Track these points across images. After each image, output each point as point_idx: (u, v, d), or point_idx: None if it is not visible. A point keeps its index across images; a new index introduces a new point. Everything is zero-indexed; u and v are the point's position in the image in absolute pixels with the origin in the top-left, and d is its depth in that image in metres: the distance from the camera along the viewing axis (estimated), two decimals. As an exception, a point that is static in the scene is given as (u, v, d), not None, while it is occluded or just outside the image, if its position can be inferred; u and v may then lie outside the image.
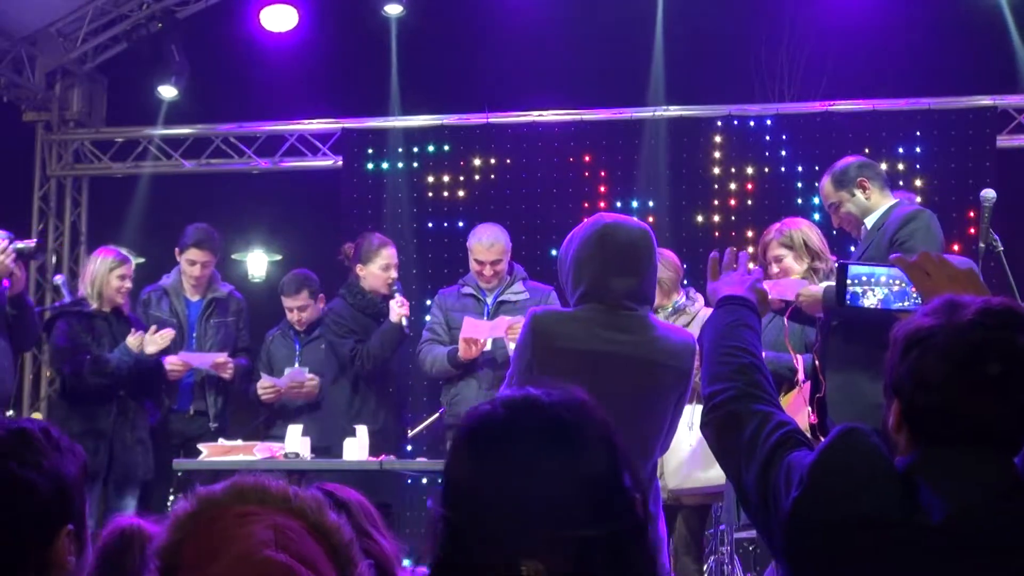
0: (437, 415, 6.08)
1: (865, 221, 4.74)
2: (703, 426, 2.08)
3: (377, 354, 5.86)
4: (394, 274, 5.99)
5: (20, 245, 5.50)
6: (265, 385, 6.11)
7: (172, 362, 5.99)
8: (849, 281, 2.30)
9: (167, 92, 8.80)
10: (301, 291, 6.26)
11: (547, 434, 1.52)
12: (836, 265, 2.25)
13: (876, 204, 4.73)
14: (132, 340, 5.77)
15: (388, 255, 5.98)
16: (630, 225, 3.37)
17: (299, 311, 6.26)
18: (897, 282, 2.29)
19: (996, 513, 1.68)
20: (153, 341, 5.80)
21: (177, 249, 6.33)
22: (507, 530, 1.47)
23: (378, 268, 5.95)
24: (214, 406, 6.21)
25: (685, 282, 6.03)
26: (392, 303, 5.88)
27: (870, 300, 2.31)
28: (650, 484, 3.19)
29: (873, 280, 2.30)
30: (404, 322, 5.84)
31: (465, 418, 1.59)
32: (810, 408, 4.80)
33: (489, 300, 5.82)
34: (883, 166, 8.04)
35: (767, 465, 1.86)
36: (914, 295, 2.21)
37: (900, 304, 2.27)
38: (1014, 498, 1.69)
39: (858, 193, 4.76)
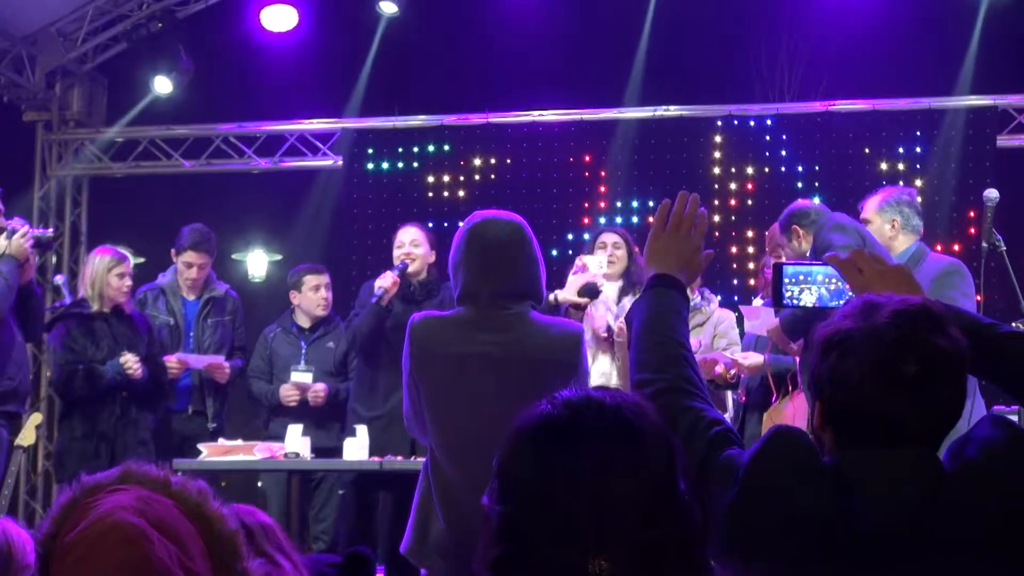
0: None
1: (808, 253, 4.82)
2: None
3: (358, 328, 5.70)
4: (407, 250, 5.84)
5: (37, 233, 5.53)
6: (290, 393, 6.08)
7: (170, 362, 6.00)
8: (786, 280, 2.32)
9: (162, 85, 8.75)
10: (324, 272, 6.33)
11: (613, 434, 1.53)
12: (772, 265, 2.27)
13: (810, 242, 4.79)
14: (126, 364, 5.74)
15: (401, 233, 5.91)
16: (500, 221, 3.32)
17: (326, 288, 6.29)
18: (833, 281, 2.31)
19: (921, 511, 1.70)
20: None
21: (173, 250, 6.34)
22: (574, 528, 1.48)
23: (396, 247, 5.86)
24: (212, 406, 6.22)
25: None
26: (377, 280, 5.73)
27: (807, 299, 2.34)
28: None
29: (809, 279, 2.33)
30: (380, 294, 5.63)
31: (524, 417, 1.60)
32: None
33: None
34: (883, 166, 8.12)
35: (702, 463, 1.87)
36: (850, 293, 2.22)
37: (837, 303, 2.28)
38: (938, 495, 1.71)
39: (794, 240, 4.92)
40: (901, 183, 7.93)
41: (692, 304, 5.82)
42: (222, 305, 6.36)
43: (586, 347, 3.41)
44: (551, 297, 5.49)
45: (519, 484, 1.53)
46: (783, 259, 5.24)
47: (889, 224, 5.01)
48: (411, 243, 5.86)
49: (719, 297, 6.34)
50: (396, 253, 5.85)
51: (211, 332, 6.28)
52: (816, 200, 5.13)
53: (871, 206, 5.11)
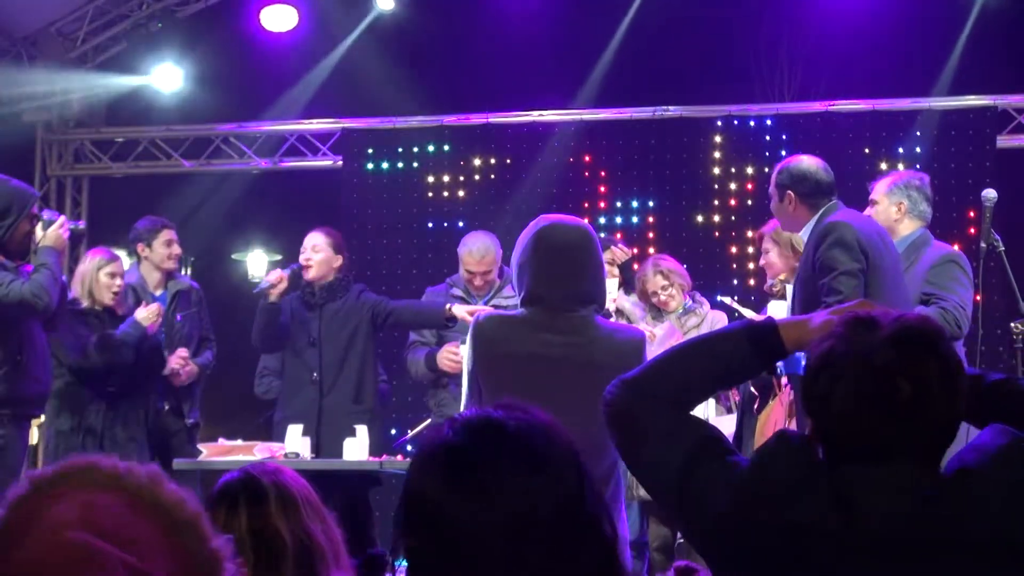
0: (427, 422, 6.08)
1: (801, 234, 4.58)
2: (611, 403, 2.03)
3: (254, 326, 5.81)
4: (307, 255, 5.86)
5: (71, 225, 5.55)
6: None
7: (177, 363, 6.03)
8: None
9: (170, 75, 8.72)
10: None
11: (513, 462, 1.47)
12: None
13: (803, 218, 4.48)
14: (143, 314, 5.79)
15: (306, 239, 5.96)
16: (567, 225, 3.33)
17: None
18: None
19: (921, 518, 1.70)
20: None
21: (141, 244, 6.33)
22: (476, 561, 1.43)
23: (301, 254, 5.93)
24: (186, 402, 6.22)
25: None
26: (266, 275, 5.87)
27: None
28: (608, 481, 3.17)
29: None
30: (275, 296, 5.70)
31: (425, 443, 1.53)
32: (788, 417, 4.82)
33: (479, 304, 5.82)
34: (883, 166, 8.12)
35: (694, 462, 1.85)
36: None
37: None
38: (937, 501, 1.71)
39: (784, 202, 4.51)
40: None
41: (684, 307, 5.89)
42: (188, 298, 6.38)
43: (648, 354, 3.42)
44: (446, 307, 5.59)
45: (423, 516, 1.48)
46: (768, 255, 5.25)
47: (895, 207, 5.00)
48: (311, 248, 5.92)
49: (720, 298, 6.37)
50: (300, 259, 5.96)
51: (181, 326, 6.29)
52: (807, 160, 4.58)
53: (880, 188, 5.09)
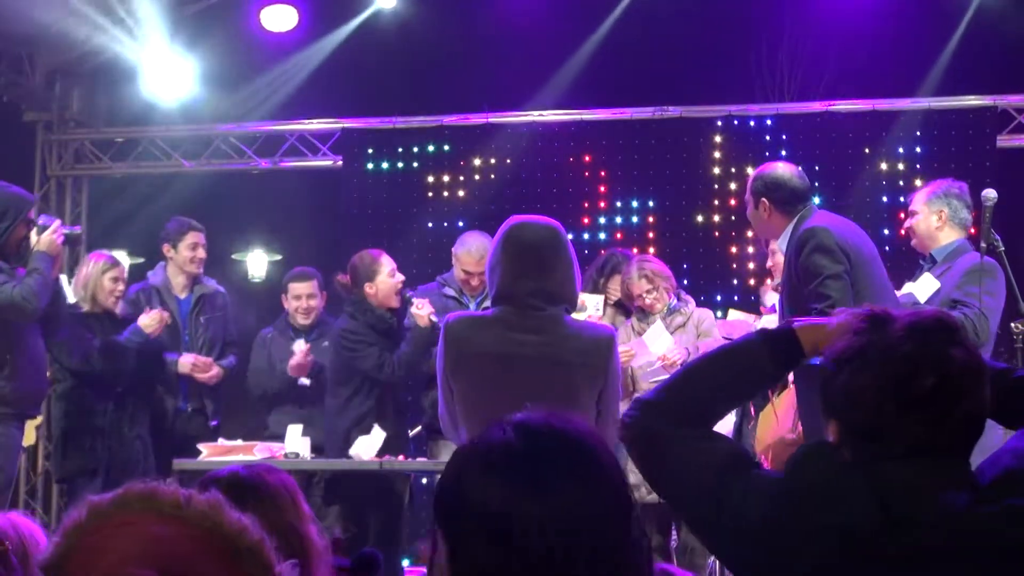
0: (418, 428, 6.10)
1: (779, 241, 4.59)
2: (631, 426, 2.00)
3: (410, 359, 5.66)
4: (401, 277, 5.87)
5: (66, 230, 5.55)
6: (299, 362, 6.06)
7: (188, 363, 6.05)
8: None
9: (170, 74, 8.74)
10: (311, 279, 6.30)
11: (571, 460, 1.46)
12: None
13: (779, 225, 4.51)
14: (145, 320, 5.80)
15: (388, 261, 5.89)
16: (536, 224, 3.37)
17: (307, 299, 6.25)
18: None
19: (960, 519, 1.69)
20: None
21: (167, 244, 6.32)
22: (535, 560, 1.40)
23: (386, 276, 5.81)
24: (210, 404, 6.23)
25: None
26: (412, 309, 5.67)
27: None
28: None
29: None
30: (435, 319, 5.57)
31: (476, 447, 1.50)
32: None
33: (472, 305, 5.82)
34: (883, 166, 8.12)
35: (726, 479, 1.84)
36: None
37: None
38: (975, 503, 1.70)
39: (759, 210, 4.56)
40: (901, 183, 7.94)
41: (669, 306, 5.86)
42: (213, 301, 6.38)
43: (618, 351, 3.43)
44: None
45: (481, 515, 1.42)
46: (776, 256, 5.23)
47: (936, 215, 5.01)
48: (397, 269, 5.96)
49: (719, 299, 6.37)
50: (394, 282, 5.82)
51: (204, 329, 6.29)
52: (781, 167, 4.65)
53: (920, 198, 5.10)
